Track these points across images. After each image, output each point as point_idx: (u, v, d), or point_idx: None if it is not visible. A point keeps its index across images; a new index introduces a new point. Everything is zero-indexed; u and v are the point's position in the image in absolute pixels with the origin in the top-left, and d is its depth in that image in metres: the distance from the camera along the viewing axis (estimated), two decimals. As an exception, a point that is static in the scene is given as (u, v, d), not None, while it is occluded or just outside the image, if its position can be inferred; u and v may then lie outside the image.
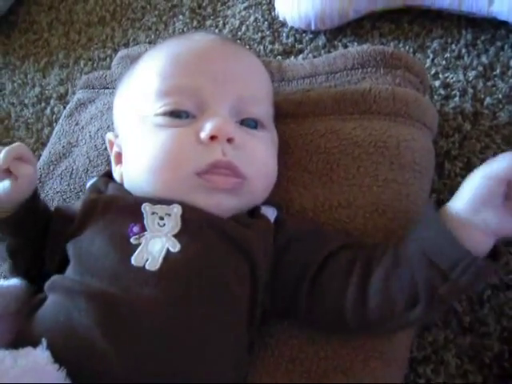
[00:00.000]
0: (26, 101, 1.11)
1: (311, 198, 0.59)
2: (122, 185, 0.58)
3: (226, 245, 0.49)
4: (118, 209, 0.52)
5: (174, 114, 0.53)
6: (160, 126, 0.52)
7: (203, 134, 0.50)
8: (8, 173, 0.50)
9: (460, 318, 0.59)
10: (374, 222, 0.56)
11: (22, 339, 0.46)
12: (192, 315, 0.46)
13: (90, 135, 0.77)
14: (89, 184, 0.61)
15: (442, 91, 0.76)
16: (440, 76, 0.78)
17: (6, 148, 0.50)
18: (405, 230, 0.54)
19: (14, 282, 0.56)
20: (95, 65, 1.10)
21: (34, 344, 0.43)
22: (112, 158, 0.62)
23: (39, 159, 0.80)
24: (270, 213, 0.55)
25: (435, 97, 0.76)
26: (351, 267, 0.50)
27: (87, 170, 0.74)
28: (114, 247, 0.49)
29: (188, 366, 0.45)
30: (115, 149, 0.61)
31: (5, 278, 0.72)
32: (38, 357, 0.42)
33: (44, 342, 0.43)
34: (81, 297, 0.46)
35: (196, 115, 0.53)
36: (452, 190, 0.66)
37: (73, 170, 0.75)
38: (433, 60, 0.80)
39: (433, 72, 0.78)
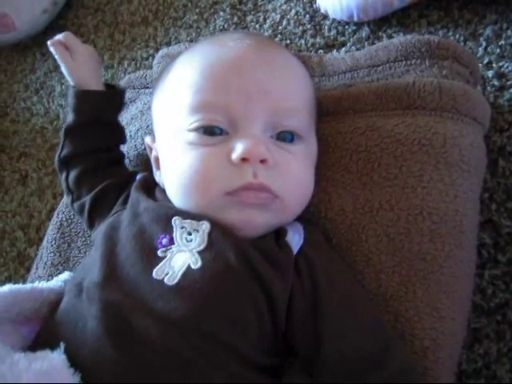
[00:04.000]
0: (74, 102, 1.14)
1: (351, 199, 0.56)
2: (164, 191, 0.58)
3: (245, 271, 0.47)
4: (151, 218, 0.52)
5: (207, 131, 0.51)
6: (192, 144, 0.51)
7: (234, 156, 0.49)
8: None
9: (515, 328, 0.54)
10: (418, 225, 0.52)
11: (42, 341, 0.47)
12: (201, 334, 0.45)
13: (131, 135, 0.78)
14: (140, 176, 0.63)
15: (495, 82, 0.70)
16: (494, 65, 0.72)
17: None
18: (452, 235, 0.50)
19: (52, 284, 0.56)
20: (138, 65, 1.11)
21: (53, 346, 0.43)
22: (152, 161, 0.62)
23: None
24: (296, 241, 0.52)
25: (488, 88, 0.70)
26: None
27: (127, 171, 0.74)
28: (141, 258, 0.49)
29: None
30: (154, 153, 0.61)
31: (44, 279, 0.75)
32: (54, 360, 0.42)
33: (62, 345, 0.43)
34: (95, 304, 0.46)
35: (229, 132, 0.51)
36: (507, 190, 0.62)
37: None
38: (486, 48, 0.74)
39: (486, 61, 0.73)
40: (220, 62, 0.52)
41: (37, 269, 0.79)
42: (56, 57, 0.69)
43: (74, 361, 0.43)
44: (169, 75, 0.58)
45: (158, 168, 0.60)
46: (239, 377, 0.46)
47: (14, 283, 0.53)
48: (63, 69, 0.69)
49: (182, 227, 0.49)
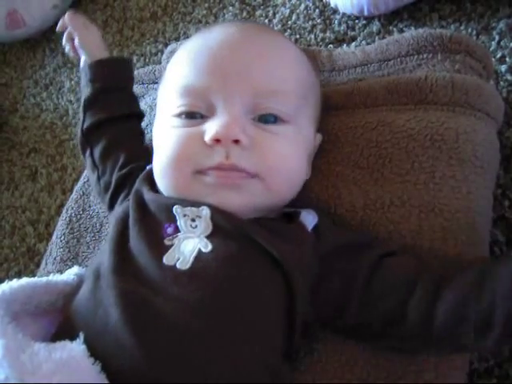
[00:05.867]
0: (83, 98, 1.14)
1: (361, 195, 0.56)
2: None
3: (253, 250, 0.48)
4: (154, 208, 0.53)
5: (189, 116, 0.52)
6: (174, 128, 0.53)
7: (206, 138, 0.49)
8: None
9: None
10: (430, 222, 0.51)
11: (62, 332, 0.47)
12: (220, 316, 0.45)
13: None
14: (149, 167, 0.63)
15: (509, 76, 0.69)
16: (507, 60, 0.71)
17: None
18: (464, 232, 0.49)
19: (66, 277, 0.56)
20: (147, 60, 1.11)
21: (72, 337, 0.43)
22: None
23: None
24: (310, 220, 0.53)
25: (501, 83, 0.69)
26: (418, 270, 0.47)
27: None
28: (149, 247, 0.49)
29: (215, 367, 0.44)
30: None
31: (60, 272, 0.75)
32: (74, 350, 0.42)
33: (81, 335, 0.43)
34: (113, 291, 0.46)
35: (208, 116, 0.52)
36: (520, 186, 0.61)
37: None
38: (499, 42, 0.73)
39: (499, 55, 0.72)
40: (203, 48, 0.54)
41: (46, 264, 0.80)
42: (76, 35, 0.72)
43: (94, 350, 0.43)
44: (167, 66, 0.60)
45: None
46: (259, 356, 0.46)
47: (25, 278, 0.53)
48: (81, 43, 0.72)
49: (185, 215, 0.50)
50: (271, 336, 0.48)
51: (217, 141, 0.49)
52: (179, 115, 0.53)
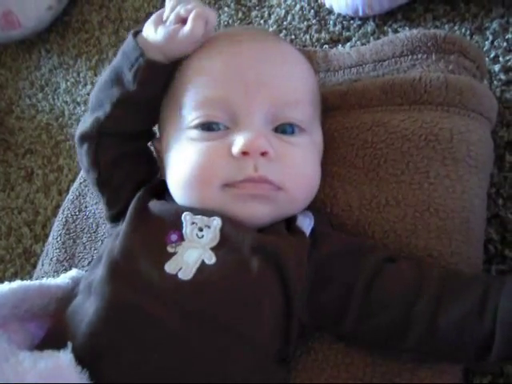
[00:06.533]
0: (79, 99, 1.14)
1: (357, 195, 0.56)
2: None
3: (260, 261, 0.48)
4: (159, 214, 0.52)
5: (208, 127, 0.51)
6: (193, 140, 0.52)
7: (234, 150, 0.49)
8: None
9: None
10: (424, 221, 0.52)
11: (50, 340, 0.47)
12: (218, 328, 0.45)
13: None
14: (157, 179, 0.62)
15: (502, 76, 0.70)
16: (500, 59, 0.71)
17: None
18: (459, 231, 0.50)
19: (60, 280, 0.56)
20: (143, 61, 1.11)
21: (61, 346, 0.43)
22: (159, 163, 0.62)
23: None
24: (306, 224, 0.53)
25: (495, 82, 0.70)
26: (419, 280, 0.48)
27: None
28: (150, 253, 0.49)
29: (209, 375, 0.44)
30: (160, 155, 0.60)
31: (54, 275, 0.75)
32: (61, 359, 0.41)
33: (69, 344, 0.43)
34: (102, 302, 0.46)
35: (229, 127, 0.51)
36: (513, 185, 0.62)
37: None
38: (492, 42, 0.74)
39: (492, 55, 0.72)
40: (218, 58, 0.53)
41: (42, 265, 0.80)
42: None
43: (81, 358, 0.42)
44: (175, 73, 0.57)
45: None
46: (254, 367, 0.47)
47: (21, 279, 0.53)
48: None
49: (193, 223, 0.49)
50: (267, 345, 0.48)
51: (244, 153, 0.48)
52: (197, 127, 0.52)
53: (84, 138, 0.59)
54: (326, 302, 0.50)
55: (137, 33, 0.57)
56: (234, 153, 0.49)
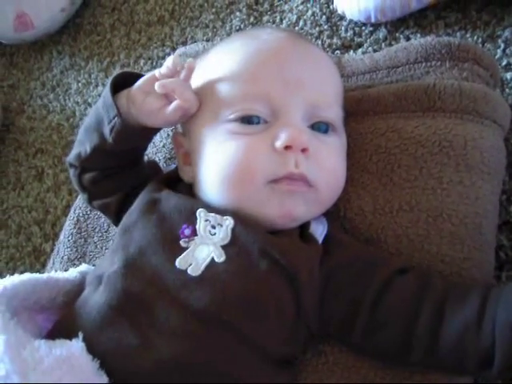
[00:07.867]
0: (90, 100, 1.15)
1: (370, 200, 0.57)
2: (190, 186, 0.58)
3: (268, 263, 0.48)
4: (174, 206, 0.52)
5: (247, 121, 0.51)
6: (232, 134, 0.51)
7: (278, 144, 0.49)
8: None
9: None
10: (437, 227, 0.53)
11: (59, 331, 0.48)
12: (221, 324, 0.46)
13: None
14: (168, 169, 0.63)
15: (514, 84, 0.70)
16: (512, 67, 0.72)
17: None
18: (472, 237, 0.50)
19: (68, 274, 0.57)
20: (154, 63, 1.12)
21: (70, 337, 0.44)
22: (179, 157, 0.61)
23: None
24: (320, 231, 0.54)
25: (507, 90, 0.70)
26: (422, 294, 0.48)
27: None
28: (163, 246, 0.49)
29: (212, 375, 0.45)
30: (183, 148, 0.60)
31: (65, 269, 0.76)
32: (73, 347, 0.43)
33: (80, 334, 0.44)
34: (114, 293, 0.47)
35: (269, 121, 0.51)
36: (525, 192, 0.62)
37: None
38: (504, 50, 0.74)
39: (504, 63, 0.73)
40: (258, 53, 0.53)
41: (53, 263, 0.80)
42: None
43: (92, 348, 0.44)
44: (202, 71, 0.57)
45: (186, 163, 0.59)
46: (256, 367, 0.47)
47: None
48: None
49: (206, 220, 0.50)
50: (270, 346, 0.48)
51: (287, 147, 0.49)
52: (236, 119, 0.51)
53: (70, 164, 0.63)
54: (335, 313, 0.50)
55: (117, 82, 0.56)
56: (278, 146, 0.49)
